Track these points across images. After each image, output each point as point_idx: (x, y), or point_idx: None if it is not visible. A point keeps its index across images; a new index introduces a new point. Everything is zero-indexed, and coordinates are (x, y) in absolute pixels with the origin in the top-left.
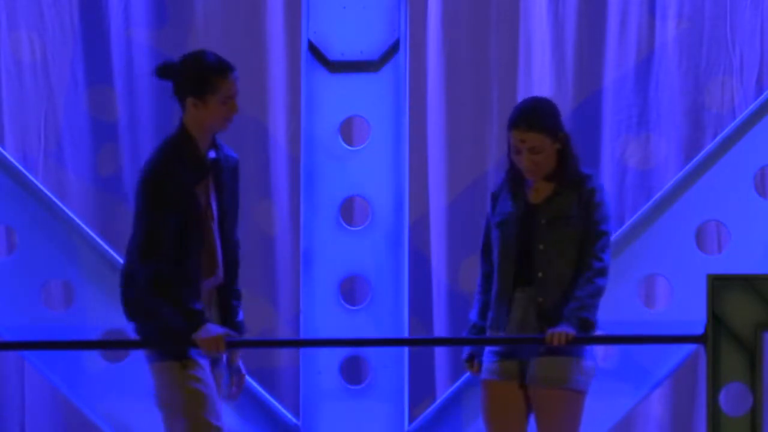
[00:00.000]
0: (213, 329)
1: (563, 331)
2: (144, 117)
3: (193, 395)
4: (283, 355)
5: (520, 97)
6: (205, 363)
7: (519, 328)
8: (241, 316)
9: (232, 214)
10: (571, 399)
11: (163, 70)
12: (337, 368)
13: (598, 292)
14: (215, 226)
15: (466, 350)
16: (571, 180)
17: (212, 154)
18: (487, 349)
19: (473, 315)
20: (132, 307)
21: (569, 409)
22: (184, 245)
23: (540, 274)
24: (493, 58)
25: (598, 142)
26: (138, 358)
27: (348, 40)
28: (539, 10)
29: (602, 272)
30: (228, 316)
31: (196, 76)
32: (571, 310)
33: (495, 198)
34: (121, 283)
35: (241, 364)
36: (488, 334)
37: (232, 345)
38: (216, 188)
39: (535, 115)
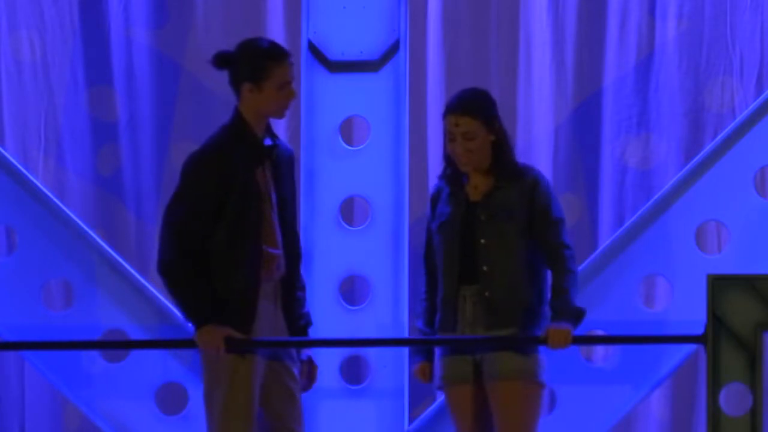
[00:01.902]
0: (216, 328)
1: (568, 333)
2: (144, 117)
3: (233, 391)
4: None
5: (521, 97)
6: (259, 358)
7: (470, 326)
8: (306, 307)
9: (291, 205)
10: (537, 392)
11: (220, 60)
12: (337, 368)
13: (577, 280)
14: (275, 215)
15: (416, 361)
16: (511, 173)
17: (268, 142)
18: (438, 353)
19: (420, 324)
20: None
21: (537, 403)
22: (240, 232)
23: (485, 268)
24: (493, 58)
25: (598, 142)
26: (138, 357)
27: (348, 40)
28: (539, 10)
29: (574, 259)
30: (293, 308)
31: (252, 62)
32: (563, 301)
33: (434, 201)
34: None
35: (311, 355)
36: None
37: (231, 346)
38: (274, 177)
39: (469, 101)
